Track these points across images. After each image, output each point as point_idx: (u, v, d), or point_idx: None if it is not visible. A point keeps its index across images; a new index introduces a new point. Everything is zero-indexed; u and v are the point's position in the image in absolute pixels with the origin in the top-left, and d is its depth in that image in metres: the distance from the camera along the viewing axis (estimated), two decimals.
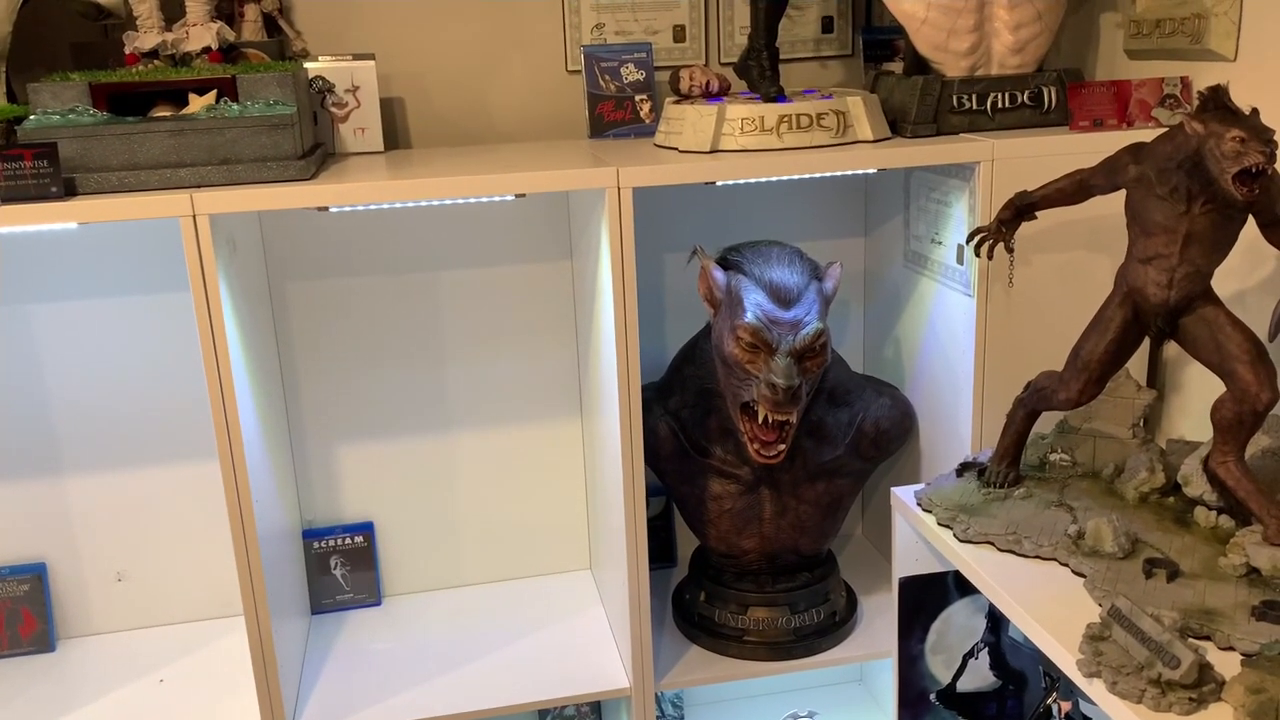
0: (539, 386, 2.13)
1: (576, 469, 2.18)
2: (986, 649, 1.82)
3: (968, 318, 1.77)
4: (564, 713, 2.19)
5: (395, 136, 2.00)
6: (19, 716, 1.82)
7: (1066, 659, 1.26)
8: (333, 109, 1.86)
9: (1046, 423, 1.68)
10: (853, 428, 1.92)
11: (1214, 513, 1.45)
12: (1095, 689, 1.21)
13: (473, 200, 1.71)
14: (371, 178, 1.59)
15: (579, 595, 2.14)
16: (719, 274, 1.74)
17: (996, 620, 1.81)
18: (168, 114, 1.55)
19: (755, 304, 1.68)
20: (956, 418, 1.85)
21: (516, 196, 1.60)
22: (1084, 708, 1.71)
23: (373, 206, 1.80)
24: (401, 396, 2.09)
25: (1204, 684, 1.15)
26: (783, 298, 1.70)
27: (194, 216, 1.48)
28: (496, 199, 1.64)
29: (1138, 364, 1.73)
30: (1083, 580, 1.39)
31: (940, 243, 1.86)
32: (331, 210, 1.56)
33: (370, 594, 2.12)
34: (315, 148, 1.73)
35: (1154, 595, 1.31)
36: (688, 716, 2.29)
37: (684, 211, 2.09)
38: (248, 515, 1.62)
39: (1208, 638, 1.24)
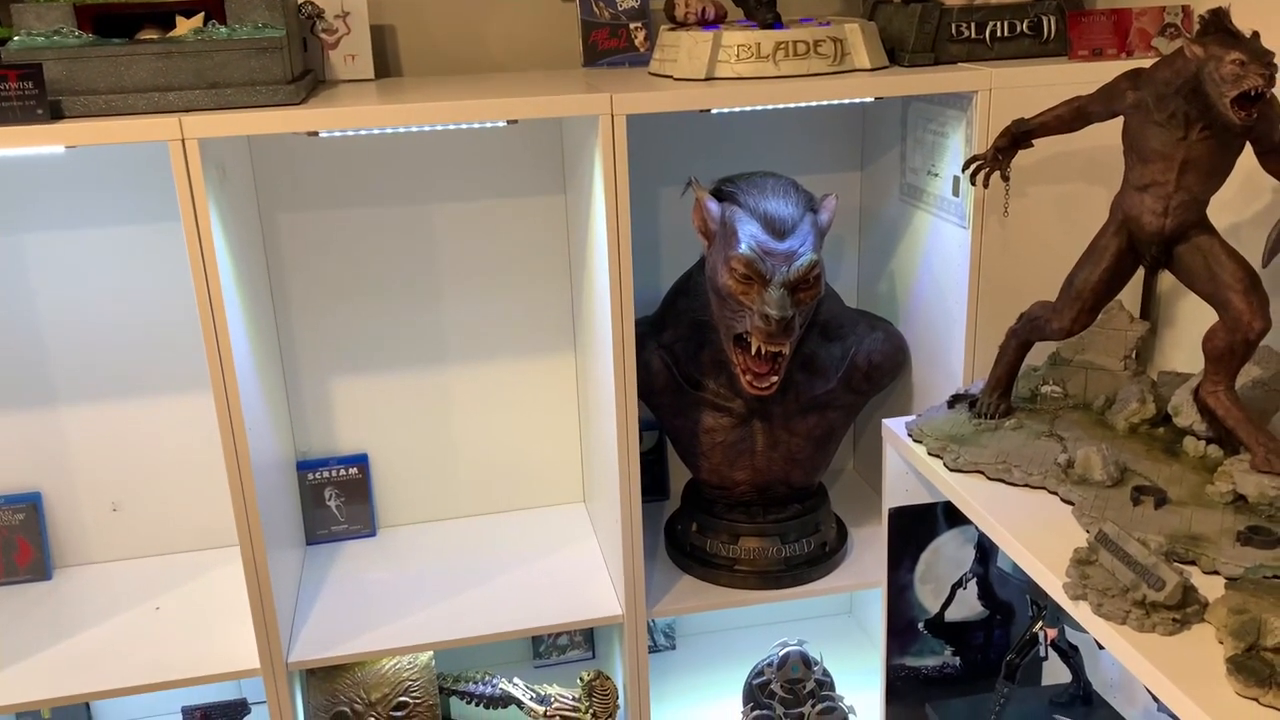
0: (533, 320, 2.13)
1: (570, 402, 2.19)
2: (975, 579, 1.84)
3: (962, 250, 1.76)
4: (557, 641, 2.22)
5: (386, 64, 1.97)
6: (17, 643, 1.84)
7: (1053, 583, 1.27)
8: (322, 35, 1.84)
9: (1038, 355, 1.68)
10: (845, 361, 1.92)
11: (1203, 442, 1.46)
12: (1081, 611, 1.22)
13: (464, 127, 1.69)
14: (362, 103, 1.57)
15: (573, 527, 2.16)
16: (713, 205, 1.73)
17: (985, 551, 1.83)
18: (154, 36, 1.53)
19: (749, 235, 1.67)
20: (949, 350, 1.86)
21: (509, 123, 1.58)
22: (1070, 635, 1.74)
23: (363, 132, 1.78)
24: (395, 329, 2.08)
25: (1188, 605, 1.16)
26: (777, 229, 1.69)
27: (183, 141, 1.47)
28: (488, 125, 1.63)
29: (1131, 296, 1.73)
30: (1071, 508, 1.40)
31: (936, 175, 1.85)
32: (321, 135, 1.54)
33: (365, 525, 2.13)
34: (305, 73, 1.71)
35: (1141, 522, 1.33)
36: (679, 645, 2.32)
37: (679, 143, 2.07)
38: (241, 446, 1.63)
39: (1193, 562, 1.26)
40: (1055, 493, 1.45)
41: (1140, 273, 1.49)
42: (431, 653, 1.88)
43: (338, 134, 1.74)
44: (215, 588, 1.99)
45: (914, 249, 1.97)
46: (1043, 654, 1.69)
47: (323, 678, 1.85)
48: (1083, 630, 1.25)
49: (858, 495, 2.22)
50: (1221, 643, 1.10)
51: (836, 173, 2.15)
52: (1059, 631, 1.67)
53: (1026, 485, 1.48)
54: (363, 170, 1.99)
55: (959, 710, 1.77)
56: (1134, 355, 1.64)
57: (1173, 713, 1.08)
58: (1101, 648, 1.37)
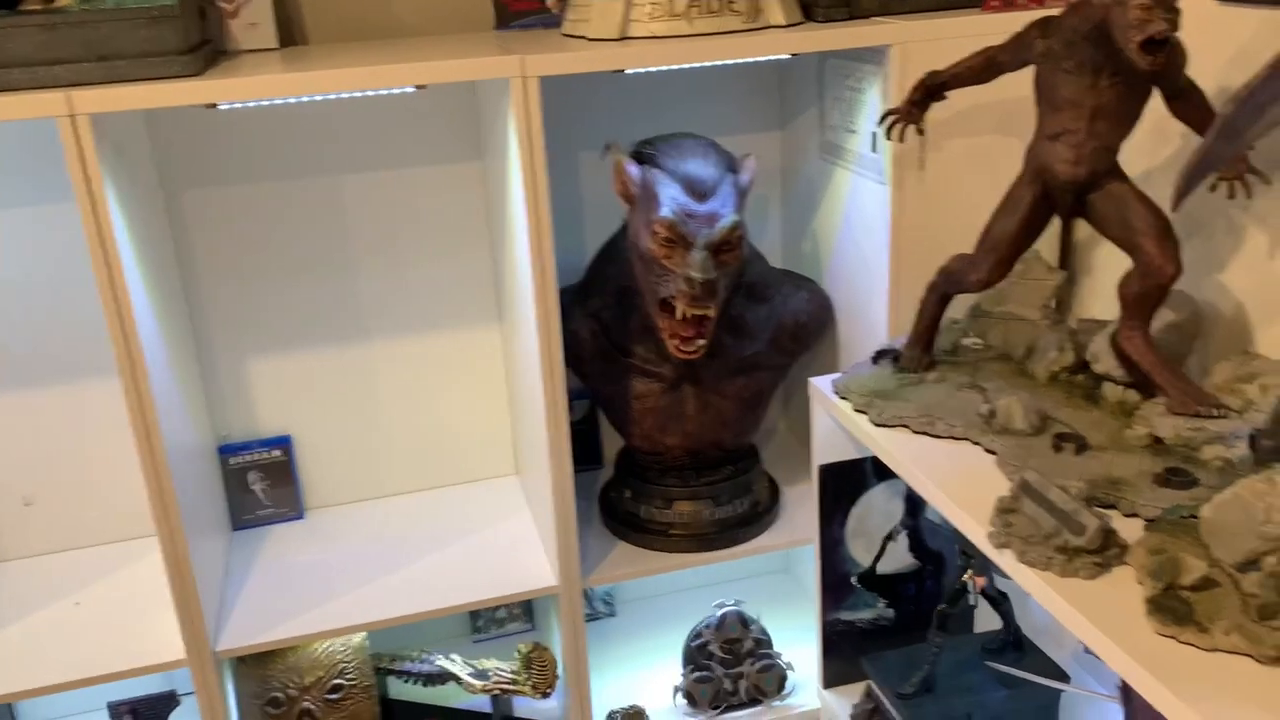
0: (456, 292, 2.09)
1: (498, 374, 2.16)
2: (905, 532, 1.86)
3: (882, 207, 1.76)
4: (495, 615, 2.21)
5: (291, 32, 1.90)
6: None
7: (978, 532, 1.29)
8: (221, 3, 1.77)
9: (960, 308, 1.70)
10: (772, 322, 1.92)
11: (1121, 387, 1.49)
12: (1005, 559, 1.24)
13: (372, 94, 1.64)
14: (262, 73, 1.52)
15: (506, 500, 2.14)
16: (633, 169, 1.71)
17: (914, 503, 1.85)
18: (37, 7, 1.45)
19: (670, 198, 1.65)
20: (873, 307, 1.86)
21: (417, 88, 1.54)
22: (999, 583, 1.77)
23: (266, 103, 1.72)
24: (312, 306, 2.03)
25: (1108, 549, 1.18)
26: (698, 191, 1.67)
27: (73, 117, 1.40)
28: (396, 92, 1.58)
29: (1049, 247, 1.75)
30: (994, 457, 1.42)
31: (854, 131, 1.84)
32: (221, 108, 1.48)
33: (292, 508, 2.09)
34: (203, 43, 1.64)
35: (1062, 468, 1.34)
36: (620, 612, 2.32)
37: (597, 106, 2.04)
38: (154, 432, 1.57)
39: (1113, 506, 1.27)
40: (978, 443, 1.46)
41: (1057, 222, 1.51)
42: (365, 634, 1.85)
43: (240, 106, 1.68)
44: (138, 579, 1.94)
45: (835, 207, 1.97)
46: (972, 602, 1.71)
47: (254, 665, 1.81)
48: (1009, 578, 1.27)
49: (789, 453, 2.23)
50: (1141, 584, 1.12)
51: (756, 132, 2.14)
52: (988, 580, 1.70)
53: (950, 437, 1.49)
54: (270, 142, 1.93)
55: (893, 661, 1.79)
56: (1053, 304, 1.65)
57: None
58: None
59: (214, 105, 1.48)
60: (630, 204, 1.72)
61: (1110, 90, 1.28)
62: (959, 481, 1.38)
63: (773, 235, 2.21)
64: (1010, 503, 1.28)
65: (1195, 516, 1.17)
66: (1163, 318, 1.51)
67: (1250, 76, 1.13)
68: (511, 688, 1.87)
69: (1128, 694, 1.51)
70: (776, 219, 2.21)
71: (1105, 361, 1.51)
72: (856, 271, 1.91)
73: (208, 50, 1.65)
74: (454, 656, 1.92)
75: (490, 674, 1.88)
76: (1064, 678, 1.70)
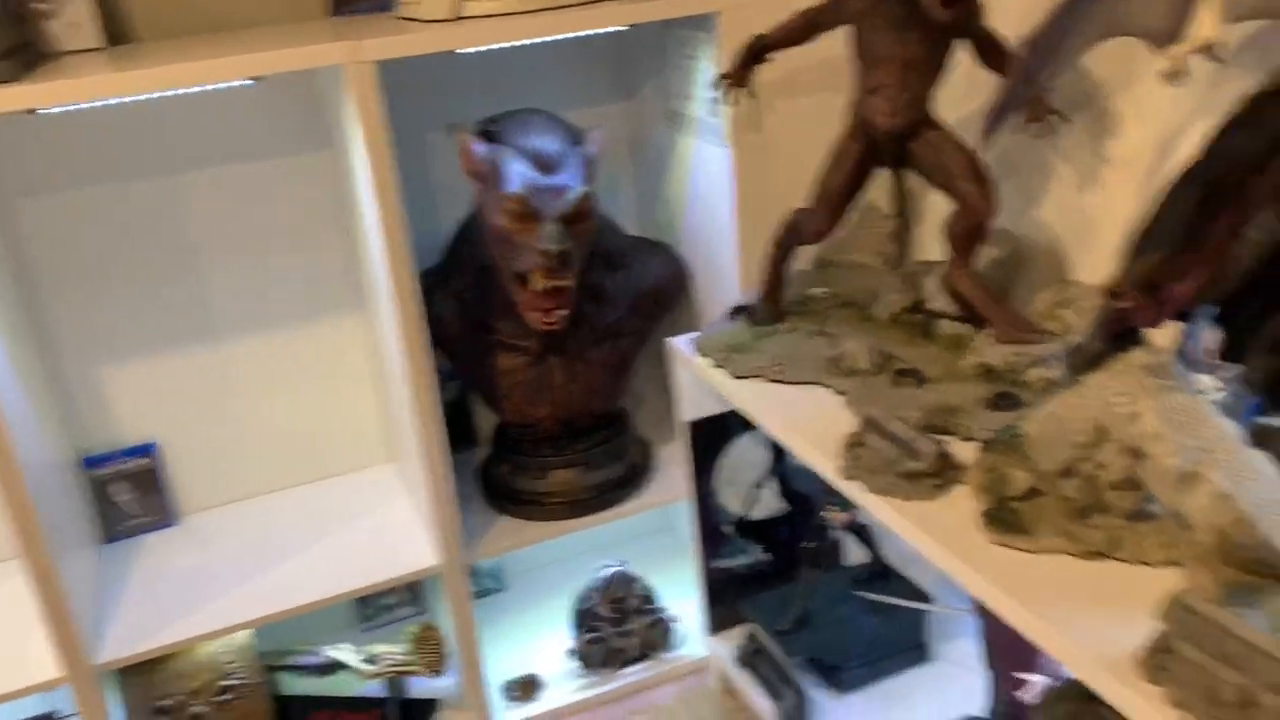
0: (314, 283, 2.07)
1: (363, 364, 2.16)
2: (773, 478, 1.94)
3: (724, 169, 1.82)
4: (383, 602, 2.21)
5: (120, 30, 1.85)
6: None
7: (829, 467, 1.37)
8: (36, 4, 1.71)
9: (807, 261, 1.78)
10: (631, 288, 1.97)
11: (955, 323, 1.59)
12: (855, 490, 1.32)
13: (209, 89, 1.62)
14: (86, 74, 1.48)
15: (382, 488, 2.15)
16: (480, 147, 1.73)
17: (779, 450, 1.93)
18: None
19: (518, 174, 1.68)
20: (725, 267, 1.93)
21: (254, 81, 1.53)
22: (861, 516, 1.86)
23: (99, 105, 1.68)
24: (166, 309, 1.99)
25: (946, 471, 1.27)
26: (545, 165, 1.70)
27: None
28: (234, 85, 1.56)
29: (886, 196, 1.84)
30: (842, 398, 1.50)
31: (693, 98, 1.90)
32: (42, 112, 1.44)
33: (163, 515, 2.05)
34: (20, 47, 1.59)
35: (903, 402, 1.43)
36: (509, 586, 2.35)
37: (440, 89, 2.04)
38: (7, 452, 1.53)
39: (951, 432, 1.37)
40: (828, 386, 1.54)
41: (893, 173, 1.59)
42: (251, 633, 1.84)
43: (67, 109, 1.64)
44: (8, 601, 1.88)
45: (682, 173, 2.02)
46: (835, 537, 1.81)
47: (138, 675, 1.79)
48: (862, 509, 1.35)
49: (659, 416, 2.29)
50: (975, 499, 1.21)
51: (603, 105, 2.18)
52: (850, 515, 1.79)
53: (801, 382, 1.57)
54: (107, 145, 1.88)
55: (770, 602, 1.88)
56: (890, 251, 1.75)
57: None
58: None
59: (33, 110, 1.43)
60: (480, 182, 1.74)
61: (918, 44, 1.36)
62: (811, 424, 1.46)
63: (626, 204, 2.26)
64: (857, 438, 1.36)
65: (1019, 436, 1.27)
66: (987, 255, 1.61)
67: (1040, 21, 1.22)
68: (404, 669, 1.89)
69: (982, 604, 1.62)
70: (629, 188, 2.26)
71: (939, 300, 1.61)
72: (707, 233, 1.98)
73: (27, 54, 1.60)
74: (343, 646, 1.92)
75: (381, 659, 1.89)
76: (926, 599, 1.81)
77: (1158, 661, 0.93)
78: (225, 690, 1.80)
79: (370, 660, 1.89)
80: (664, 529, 2.48)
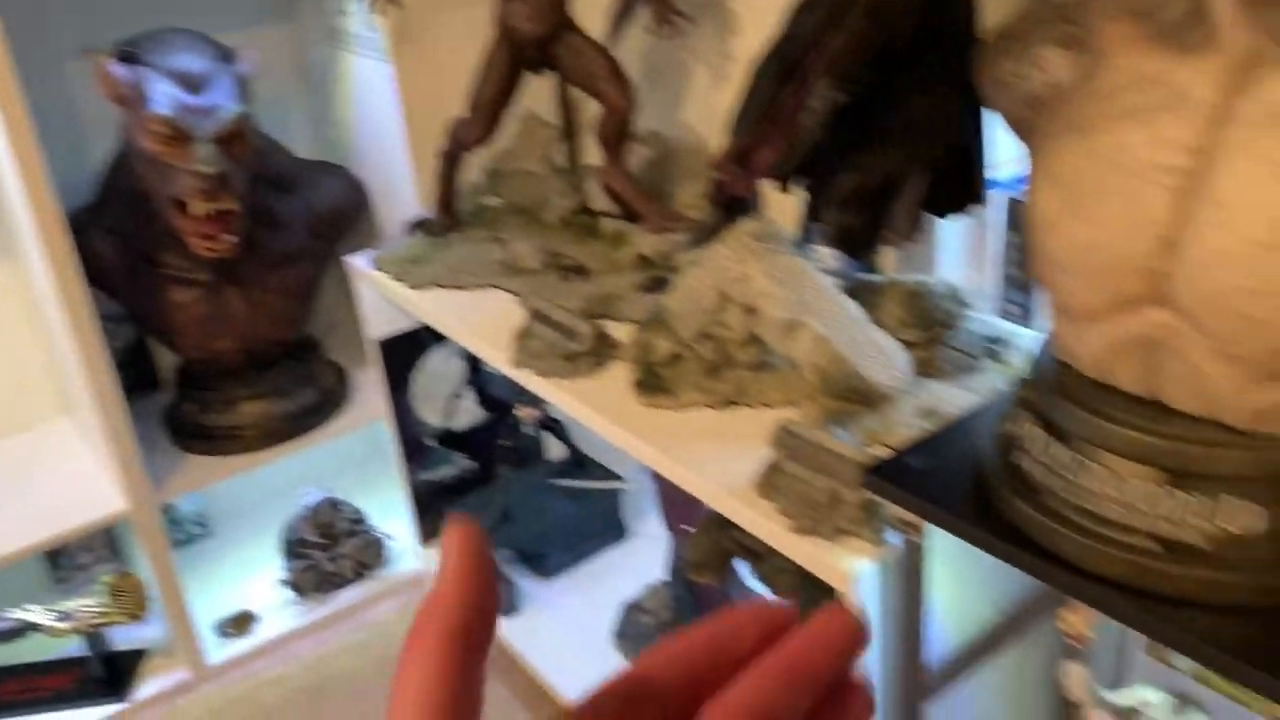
0: None
1: (22, 315, 2.01)
2: (470, 388, 2.01)
3: (388, 84, 1.83)
4: (78, 561, 2.11)
5: None
6: None
7: (502, 360, 1.44)
8: None
9: (480, 172, 1.83)
10: (306, 212, 1.95)
11: (615, 220, 1.69)
12: (526, 377, 1.40)
13: None
14: None
15: (60, 442, 2.03)
16: (119, 69, 1.65)
17: (473, 359, 1.99)
18: None
19: (164, 94, 1.62)
20: (401, 184, 1.95)
21: None
22: (553, 411, 1.97)
23: None
24: None
25: (603, 350, 1.38)
26: (193, 85, 1.65)
27: None
28: None
29: (550, 104, 1.91)
30: (515, 297, 1.58)
31: (351, 14, 1.89)
32: None
33: None
34: None
35: (567, 293, 1.53)
36: (216, 531, 2.29)
37: (74, 11, 1.91)
38: None
39: (611, 317, 1.48)
40: (501, 287, 1.62)
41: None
42: None
43: None
44: None
45: (350, 91, 2.01)
46: (527, 432, 1.90)
47: None
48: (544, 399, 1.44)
49: (355, 339, 2.28)
50: (629, 371, 1.33)
51: (263, 27, 2.11)
52: (543, 410, 1.89)
53: (476, 287, 1.64)
54: None
55: (473, 503, 1.95)
56: (555, 157, 1.83)
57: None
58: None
59: None
60: (125, 107, 1.66)
61: None
62: (487, 323, 1.53)
63: (300, 127, 2.21)
64: (525, 329, 1.45)
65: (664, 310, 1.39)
66: (641, 155, 1.73)
67: None
68: (102, 620, 1.82)
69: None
70: (298, 111, 2.21)
71: (599, 199, 1.71)
72: (380, 151, 1.98)
73: None
74: (30, 607, 1.82)
75: (75, 614, 1.81)
76: (618, 479, 1.95)
77: (769, 481, 1.08)
78: None
79: (64, 617, 1.81)
80: (368, 449, 2.48)
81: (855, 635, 0.31)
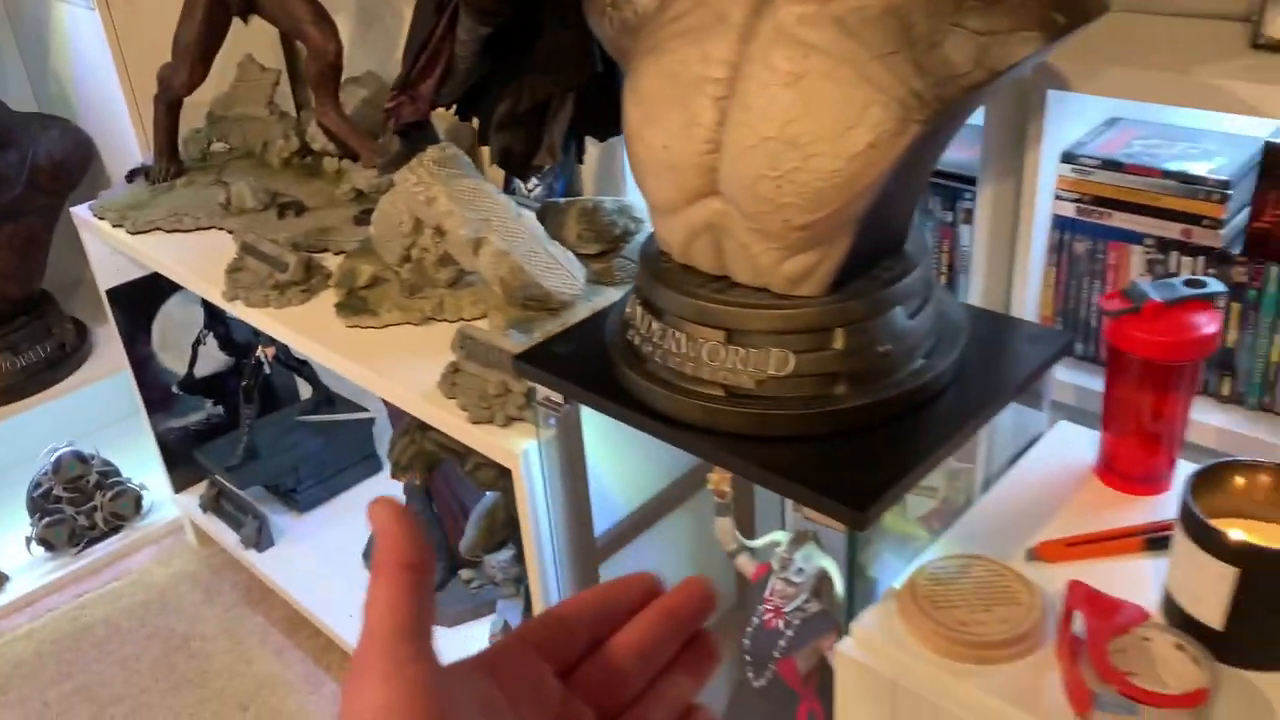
0: None
1: None
2: (211, 334, 2.04)
3: (100, 34, 1.83)
4: None
5: None
6: None
7: (216, 294, 1.50)
8: None
9: (203, 118, 1.86)
10: (25, 165, 1.93)
11: (336, 159, 1.77)
12: (238, 308, 1.47)
13: None
14: None
15: None
16: None
17: (213, 306, 2.02)
18: None
19: None
20: (123, 132, 1.95)
21: None
22: (297, 353, 2.02)
23: None
24: None
25: (312, 278, 1.46)
26: None
27: None
28: None
29: (269, 53, 1.95)
30: (233, 236, 1.63)
31: None
32: None
33: None
34: None
35: (285, 229, 1.60)
36: None
37: None
38: None
39: (325, 249, 1.56)
40: (222, 228, 1.67)
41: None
42: None
43: None
44: None
45: (65, 43, 1.99)
46: (268, 371, 1.96)
47: None
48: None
49: (95, 294, 2.26)
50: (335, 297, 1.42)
51: None
52: (279, 348, 1.94)
53: (198, 229, 1.68)
54: None
55: (222, 446, 2.00)
56: (275, 101, 1.87)
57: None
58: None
59: None
60: None
61: None
62: (205, 262, 1.58)
63: (16, 82, 2.16)
64: (236, 263, 1.51)
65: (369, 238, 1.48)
66: (356, 95, 1.80)
67: None
68: None
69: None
70: (15, 66, 2.16)
71: (319, 140, 1.78)
72: (100, 101, 1.97)
73: None
74: None
75: None
76: (364, 411, 2.03)
77: (450, 380, 1.20)
78: None
79: None
80: (114, 400, 2.44)
81: (708, 596, 0.43)
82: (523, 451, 1.11)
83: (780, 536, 1.19)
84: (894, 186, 0.88)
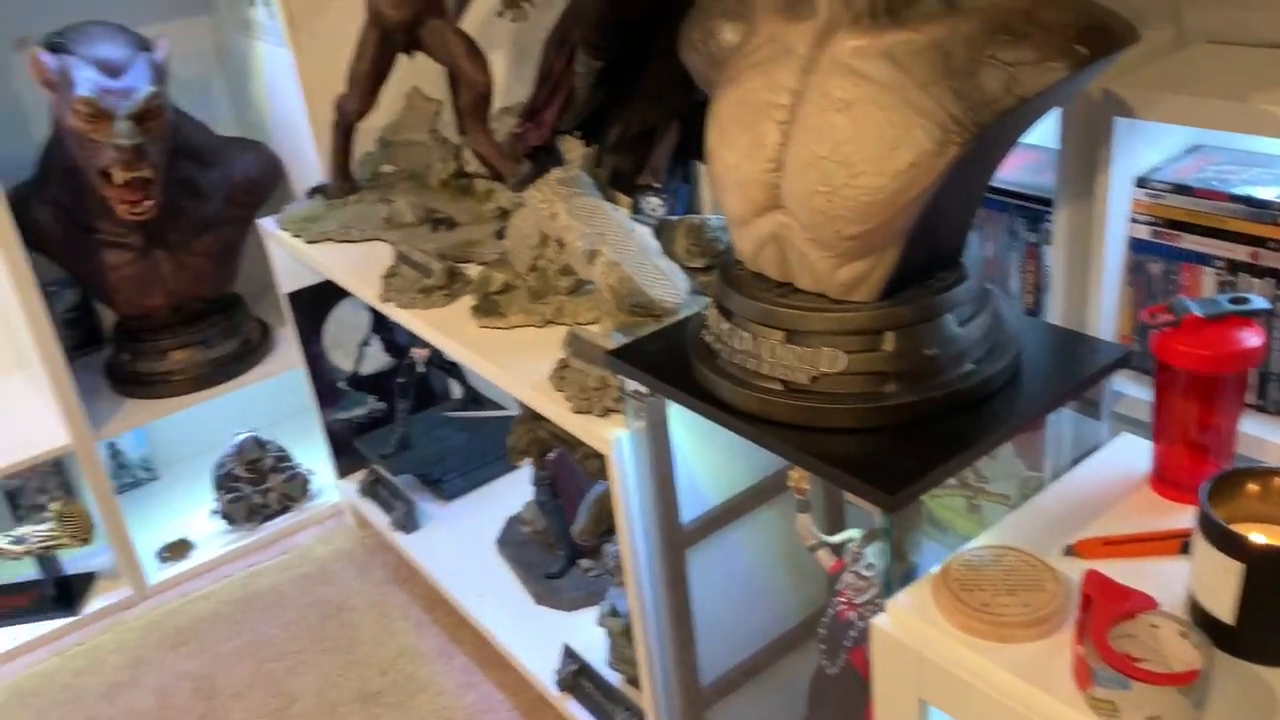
0: None
1: None
2: (376, 335, 2.26)
3: (290, 67, 2.08)
4: (36, 501, 2.35)
5: None
6: None
7: (372, 296, 1.70)
8: None
9: (374, 143, 2.08)
10: (225, 182, 2.20)
11: (486, 180, 1.95)
12: (390, 309, 1.66)
13: None
14: None
15: (13, 392, 2.27)
16: (48, 58, 1.89)
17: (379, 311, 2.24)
18: None
19: (86, 79, 1.86)
20: (307, 154, 2.20)
21: None
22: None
23: None
24: None
25: (454, 285, 1.64)
26: (113, 70, 1.90)
27: None
28: None
29: (431, 81, 2.16)
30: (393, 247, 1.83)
31: (256, 5, 2.13)
32: None
33: None
34: None
35: (435, 241, 1.78)
36: (161, 475, 2.54)
37: (12, 13, 2.15)
38: None
39: (469, 260, 1.73)
40: (384, 240, 1.87)
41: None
42: None
43: None
44: None
45: (260, 75, 2.26)
46: (421, 370, 2.16)
47: None
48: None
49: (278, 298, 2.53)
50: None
51: (185, 18, 2.35)
52: (428, 350, 2.14)
53: (363, 240, 1.89)
54: None
55: (379, 437, 2.21)
56: (435, 127, 2.08)
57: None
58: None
59: None
60: (54, 91, 1.91)
61: None
62: (368, 269, 1.78)
63: (222, 109, 2.46)
64: (391, 269, 1.70)
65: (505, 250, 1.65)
66: (507, 123, 1.98)
67: None
68: (52, 543, 2.07)
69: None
70: (221, 94, 2.45)
71: (473, 163, 1.97)
72: (291, 127, 2.23)
73: None
74: None
75: (27, 538, 2.07)
76: (503, 410, 2.21)
77: (559, 375, 1.34)
78: None
79: (18, 541, 2.07)
80: (291, 393, 2.70)
81: None
82: (615, 439, 1.24)
83: (855, 533, 1.27)
84: (943, 202, 0.96)
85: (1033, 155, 1.27)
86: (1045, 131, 1.11)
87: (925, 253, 1.00)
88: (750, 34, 1.05)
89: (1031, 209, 1.26)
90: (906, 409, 0.98)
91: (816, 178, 0.95)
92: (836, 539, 1.30)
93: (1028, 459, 1.21)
